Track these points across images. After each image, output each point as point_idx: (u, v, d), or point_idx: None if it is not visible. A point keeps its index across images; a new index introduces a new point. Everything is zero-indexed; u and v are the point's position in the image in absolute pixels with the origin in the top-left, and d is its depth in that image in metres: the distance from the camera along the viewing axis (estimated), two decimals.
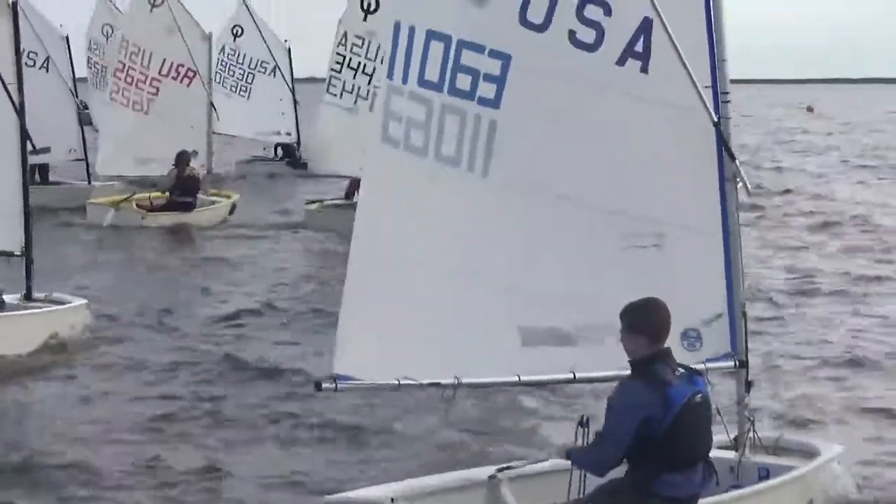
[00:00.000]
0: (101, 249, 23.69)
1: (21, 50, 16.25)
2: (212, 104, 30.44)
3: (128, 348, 15.50)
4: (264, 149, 41.41)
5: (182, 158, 26.46)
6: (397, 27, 8.22)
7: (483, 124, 8.16)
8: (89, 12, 39.63)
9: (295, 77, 39.83)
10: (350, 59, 25.64)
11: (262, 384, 13.37)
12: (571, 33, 8.26)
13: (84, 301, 16.08)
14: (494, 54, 8.16)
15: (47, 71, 29.16)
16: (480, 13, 8.16)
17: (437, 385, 7.88)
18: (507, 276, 8.28)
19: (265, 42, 38.67)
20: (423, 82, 8.14)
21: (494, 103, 8.17)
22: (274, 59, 38.76)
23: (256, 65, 38.58)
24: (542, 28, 8.22)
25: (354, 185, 25.28)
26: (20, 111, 15.69)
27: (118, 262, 22.50)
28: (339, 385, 7.88)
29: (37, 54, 28.44)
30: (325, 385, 7.88)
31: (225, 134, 35.94)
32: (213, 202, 27.89)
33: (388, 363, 7.91)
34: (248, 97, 38.06)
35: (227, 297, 18.98)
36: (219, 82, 36.15)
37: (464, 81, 8.14)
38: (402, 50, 8.17)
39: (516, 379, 8.21)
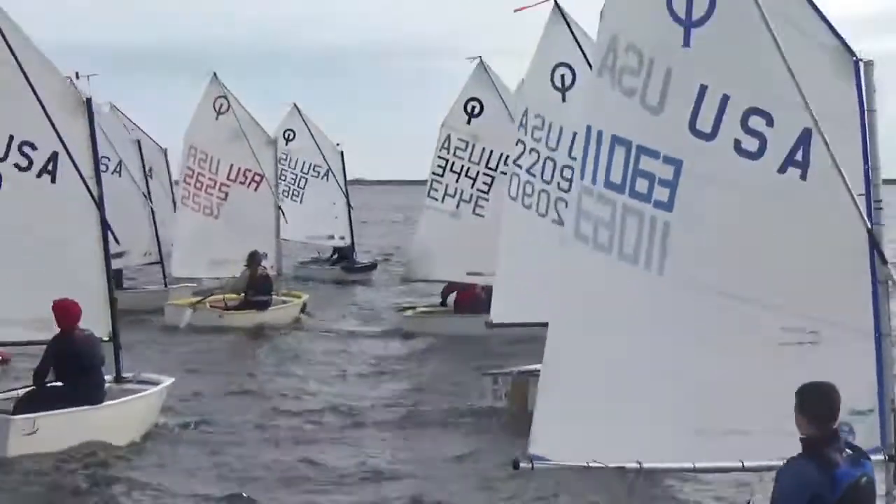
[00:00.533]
0: (181, 346, 24.45)
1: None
2: (279, 207, 31.21)
3: (214, 429, 16.38)
4: (318, 252, 41.90)
5: (254, 259, 27.39)
6: (588, 131, 8.91)
7: (658, 226, 8.78)
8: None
9: (348, 179, 40.41)
10: (453, 163, 25.94)
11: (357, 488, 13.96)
12: (737, 142, 8.86)
13: (172, 379, 16.90)
14: (668, 160, 8.80)
15: (119, 175, 30.26)
16: (656, 121, 8.79)
17: (622, 468, 8.42)
18: (679, 367, 8.85)
19: (318, 145, 39.30)
20: (608, 184, 8.81)
21: (668, 206, 8.79)
22: (326, 162, 39.33)
23: (309, 168, 39.25)
24: (710, 137, 8.84)
25: (452, 289, 25.82)
26: (100, 204, 16.51)
27: (198, 358, 23.18)
28: (534, 465, 8.46)
29: (109, 159, 29.39)
30: (522, 464, 8.48)
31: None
32: (285, 302, 28.68)
33: (578, 446, 8.51)
34: (301, 201, 38.62)
35: (311, 395, 19.65)
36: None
37: (642, 185, 8.78)
38: (591, 153, 8.85)
39: (691, 466, 8.75)
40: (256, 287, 27.27)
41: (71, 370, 15.19)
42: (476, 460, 15.15)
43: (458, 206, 25.68)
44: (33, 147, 16.30)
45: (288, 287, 32.03)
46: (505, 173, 21.94)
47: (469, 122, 25.73)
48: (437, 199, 26.02)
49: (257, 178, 30.45)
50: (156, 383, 16.83)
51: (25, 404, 15.08)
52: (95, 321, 16.19)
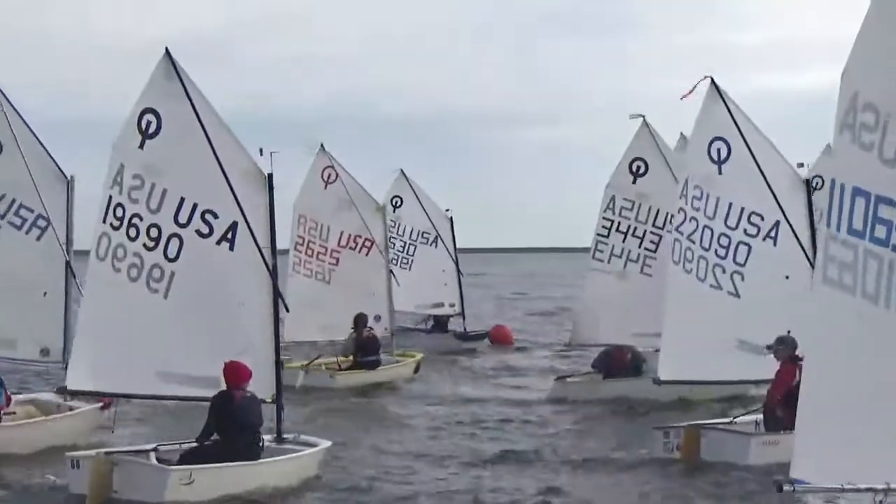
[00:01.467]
0: (297, 406, 24.80)
1: None
2: (391, 270, 32.10)
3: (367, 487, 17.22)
4: (423, 321, 40.75)
5: (360, 321, 28.34)
6: (833, 184, 9.90)
7: None
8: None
9: (458, 247, 39.87)
10: (619, 223, 26.05)
11: None
12: None
13: (329, 443, 17.74)
14: None
15: None
16: (892, 172, 9.65)
17: (871, 490, 9.42)
18: None
19: (426, 212, 39.13)
20: (851, 231, 9.78)
21: None
22: (435, 228, 39.09)
23: (418, 235, 39.07)
24: None
25: (611, 359, 25.36)
26: (273, 273, 17.48)
27: (318, 418, 23.91)
28: (796, 487, 9.66)
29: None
30: (785, 487, 9.63)
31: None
32: (398, 361, 29.74)
33: (834, 469, 9.61)
34: (410, 268, 38.60)
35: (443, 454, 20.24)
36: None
37: (880, 231, 9.69)
38: (836, 203, 9.85)
39: None
40: (364, 348, 28.27)
41: (231, 427, 16.10)
42: None
43: (625, 266, 25.91)
44: (215, 216, 17.32)
45: (403, 349, 32.62)
46: (671, 232, 22.34)
47: (634, 181, 25.92)
48: (602, 261, 26.10)
49: (368, 243, 31.34)
50: (314, 445, 17.65)
51: (188, 456, 16.07)
52: (262, 382, 17.11)
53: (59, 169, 21.99)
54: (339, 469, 18.24)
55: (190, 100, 17.24)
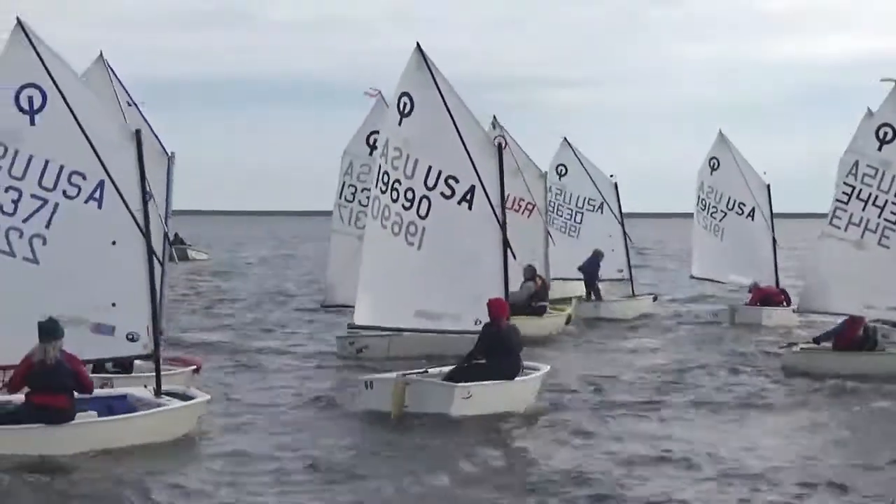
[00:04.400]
0: None
1: None
2: (548, 232, 34.55)
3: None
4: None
5: (529, 272, 31.05)
6: None
7: None
8: None
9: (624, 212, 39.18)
10: (860, 190, 24.40)
11: None
12: None
13: (547, 367, 20.31)
14: None
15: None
16: None
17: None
18: None
19: (591, 178, 38.97)
20: None
21: None
22: (601, 194, 38.85)
23: (584, 203, 39.01)
24: None
25: (855, 326, 24.09)
26: (503, 226, 20.94)
27: None
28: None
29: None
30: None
31: (559, 278, 37.65)
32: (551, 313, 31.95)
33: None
34: (578, 236, 38.56)
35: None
36: (550, 223, 37.49)
37: None
38: None
39: None
40: (538, 295, 30.83)
41: (497, 351, 18.78)
42: None
43: (862, 236, 24.38)
44: (456, 180, 20.76)
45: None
46: None
47: (880, 148, 24.47)
48: (839, 228, 24.56)
49: (530, 206, 33.46)
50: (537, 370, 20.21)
51: (459, 374, 18.68)
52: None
53: (161, 145, 22.09)
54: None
55: (436, 85, 20.69)
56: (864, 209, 24.25)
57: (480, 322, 19.93)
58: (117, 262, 16.84)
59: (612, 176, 39.56)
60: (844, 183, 24.42)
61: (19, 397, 15.61)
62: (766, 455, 16.24)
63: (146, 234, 17.01)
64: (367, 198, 22.41)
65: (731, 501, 13.85)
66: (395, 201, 20.70)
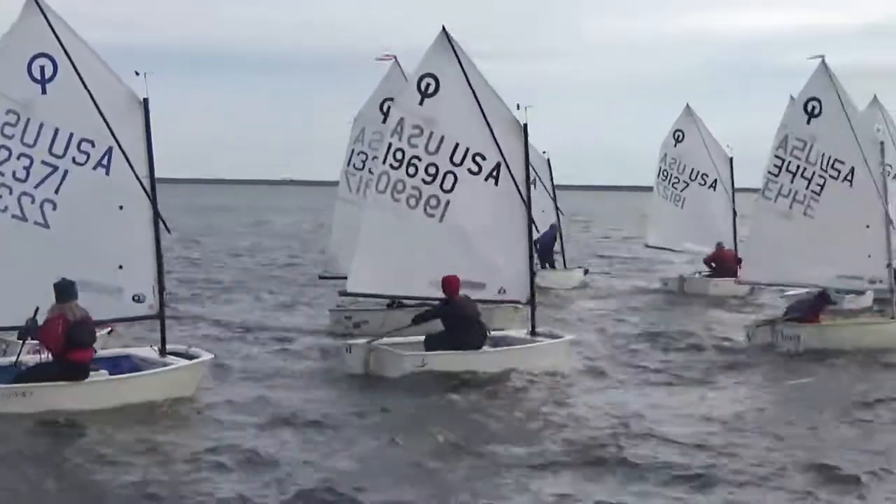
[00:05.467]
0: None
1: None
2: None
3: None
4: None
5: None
6: None
7: None
8: None
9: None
10: (790, 163, 24.95)
11: None
12: None
13: (570, 336, 21.76)
14: None
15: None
16: None
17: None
18: None
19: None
20: None
21: None
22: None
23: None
24: None
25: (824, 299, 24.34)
26: (527, 203, 22.87)
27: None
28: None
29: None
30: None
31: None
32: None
33: None
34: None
35: None
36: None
37: None
38: None
39: None
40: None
41: (458, 324, 19.76)
42: None
43: (790, 207, 25.03)
44: (483, 157, 21.16)
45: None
46: (835, 177, 24.64)
47: (809, 122, 25.05)
48: (770, 199, 25.18)
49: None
50: (558, 337, 21.23)
51: (431, 341, 19.85)
52: (519, 288, 21.30)
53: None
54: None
55: (461, 66, 21.07)
56: (792, 181, 25.02)
57: (505, 292, 21.24)
58: (124, 226, 17.59)
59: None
60: (775, 156, 25.21)
61: (43, 356, 16.31)
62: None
63: (153, 200, 17.73)
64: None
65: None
66: (411, 176, 21.00)
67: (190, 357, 17.94)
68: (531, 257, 21.60)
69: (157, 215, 17.72)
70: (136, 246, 17.62)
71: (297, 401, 17.72)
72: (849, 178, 24.61)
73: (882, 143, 24.96)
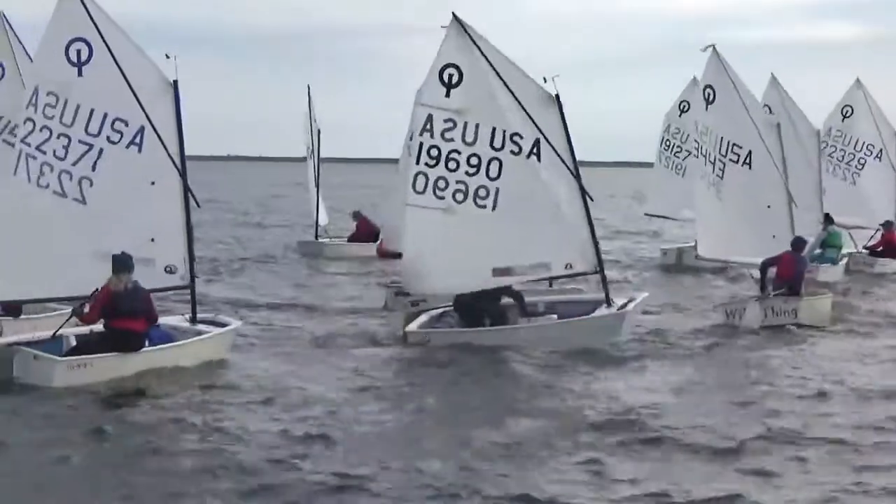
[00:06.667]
0: None
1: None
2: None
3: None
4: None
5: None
6: None
7: None
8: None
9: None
10: (701, 147, 25.47)
11: None
12: None
13: (645, 294, 22.73)
14: None
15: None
16: None
17: None
18: None
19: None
20: None
21: None
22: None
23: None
24: None
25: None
26: (578, 176, 23.46)
27: None
28: None
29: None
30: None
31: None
32: None
33: None
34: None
35: None
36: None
37: None
38: None
39: None
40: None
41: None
42: None
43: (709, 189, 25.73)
44: (521, 136, 21.20)
45: None
46: (734, 161, 25.52)
47: (707, 108, 25.63)
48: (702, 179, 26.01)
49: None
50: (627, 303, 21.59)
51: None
52: (585, 258, 21.44)
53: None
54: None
55: (480, 50, 20.99)
56: (705, 164, 25.80)
57: (572, 267, 21.35)
58: (156, 200, 18.66)
59: None
60: (694, 139, 26.15)
61: (97, 327, 17.25)
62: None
63: (183, 175, 18.79)
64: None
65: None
66: (453, 171, 20.88)
67: (219, 325, 18.83)
68: (591, 225, 21.53)
69: (186, 189, 18.63)
70: (168, 219, 18.65)
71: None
72: (748, 161, 25.33)
73: (778, 124, 25.72)
